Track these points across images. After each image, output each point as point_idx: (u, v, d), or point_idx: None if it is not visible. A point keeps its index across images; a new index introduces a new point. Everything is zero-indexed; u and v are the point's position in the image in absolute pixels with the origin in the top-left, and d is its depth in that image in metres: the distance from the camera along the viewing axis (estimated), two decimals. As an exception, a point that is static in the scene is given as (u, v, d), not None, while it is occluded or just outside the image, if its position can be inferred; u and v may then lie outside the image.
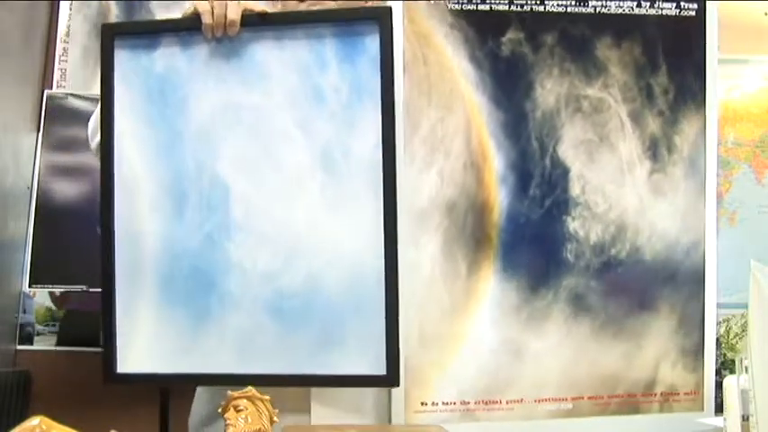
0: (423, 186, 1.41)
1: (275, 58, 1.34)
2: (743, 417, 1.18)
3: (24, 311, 1.96)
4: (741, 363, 1.18)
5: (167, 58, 1.36)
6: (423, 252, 1.40)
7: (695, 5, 1.48)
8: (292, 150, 1.33)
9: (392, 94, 1.31)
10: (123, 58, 1.36)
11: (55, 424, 0.87)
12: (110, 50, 1.36)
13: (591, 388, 1.44)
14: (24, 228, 1.96)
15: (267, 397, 1.13)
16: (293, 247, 1.32)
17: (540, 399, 1.42)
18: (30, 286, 1.96)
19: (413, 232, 1.39)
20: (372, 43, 1.31)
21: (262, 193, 1.33)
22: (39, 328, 1.97)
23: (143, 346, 1.35)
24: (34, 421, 0.86)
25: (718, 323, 1.75)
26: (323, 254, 1.32)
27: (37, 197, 1.98)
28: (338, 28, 1.32)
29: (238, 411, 1.10)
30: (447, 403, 1.40)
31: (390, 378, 1.30)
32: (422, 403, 1.39)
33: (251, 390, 1.12)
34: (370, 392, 1.39)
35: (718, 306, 1.50)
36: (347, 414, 1.36)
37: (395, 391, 1.37)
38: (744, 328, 1.73)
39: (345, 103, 1.32)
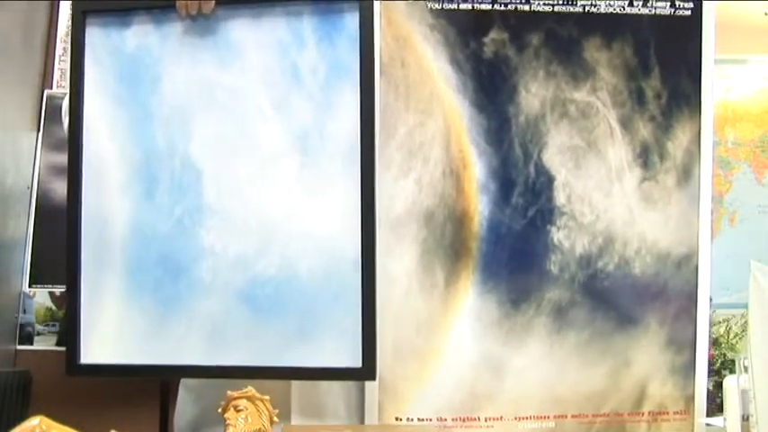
0: (399, 194, 1.37)
1: (252, 37, 1.31)
2: (743, 417, 1.17)
3: (24, 311, 1.97)
4: (741, 363, 1.17)
5: (140, 36, 1.33)
6: (399, 263, 1.36)
7: (691, 5, 1.41)
8: (268, 132, 1.30)
9: (372, 74, 1.27)
10: (95, 37, 1.34)
11: (55, 424, 0.86)
12: (81, 28, 1.34)
13: (575, 406, 1.38)
14: (24, 228, 1.97)
15: (267, 397, 1.12)
16: (267, 231, 1.28)
17: (521, 416, 1.37)
18: (30, 286, 1.97)
19: (389, 242, 1.35)
20: (352, 22, 1.28)
21: (235, 176, 1.30)
22: (39, 328, 1.97)
23: (108, 335, 1.31)
24: (34, 421, 0.86)
25: (718, 323, 1.69)
26: (298, 239, 1.28)
27: (37, 197, 1.98)
28: (317, 6, 1.29)
29: (238, 411, 1.09)
30: (423, 419, 1.36)
31: (366, 371, 1.25)
32: (396, 418, 1.35)
33: (251, 390, 1.12)
34: (342, 405, 1.36)
35: (719, 306, 1.46)
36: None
37: (368, 405, 1.34)
38: (744, 328, 1.70)
39: (323, 83, 1.29)
